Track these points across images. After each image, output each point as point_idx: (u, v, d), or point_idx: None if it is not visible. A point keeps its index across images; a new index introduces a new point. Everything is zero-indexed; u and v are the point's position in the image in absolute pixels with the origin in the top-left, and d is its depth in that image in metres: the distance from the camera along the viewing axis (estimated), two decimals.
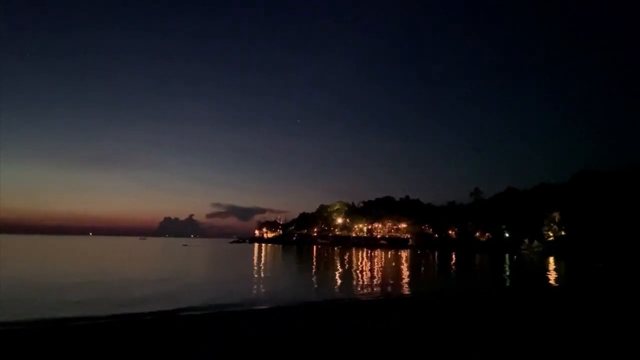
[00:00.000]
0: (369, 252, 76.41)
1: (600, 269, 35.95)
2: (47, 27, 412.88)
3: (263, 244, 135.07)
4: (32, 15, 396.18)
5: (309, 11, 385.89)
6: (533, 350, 7.24)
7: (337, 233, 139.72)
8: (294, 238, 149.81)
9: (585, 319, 10.79)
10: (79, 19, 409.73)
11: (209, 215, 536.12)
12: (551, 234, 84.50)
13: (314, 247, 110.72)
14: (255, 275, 26.47)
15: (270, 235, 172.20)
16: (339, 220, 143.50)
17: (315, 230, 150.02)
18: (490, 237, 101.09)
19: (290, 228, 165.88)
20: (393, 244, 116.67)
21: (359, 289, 19.57)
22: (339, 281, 23.18)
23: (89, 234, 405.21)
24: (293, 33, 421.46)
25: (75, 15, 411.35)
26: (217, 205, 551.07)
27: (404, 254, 66.94)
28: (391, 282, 23.02)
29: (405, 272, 30.69)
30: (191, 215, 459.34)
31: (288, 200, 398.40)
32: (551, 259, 54.82)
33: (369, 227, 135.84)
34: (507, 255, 67.09)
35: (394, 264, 41.01)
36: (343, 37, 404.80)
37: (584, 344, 7.88)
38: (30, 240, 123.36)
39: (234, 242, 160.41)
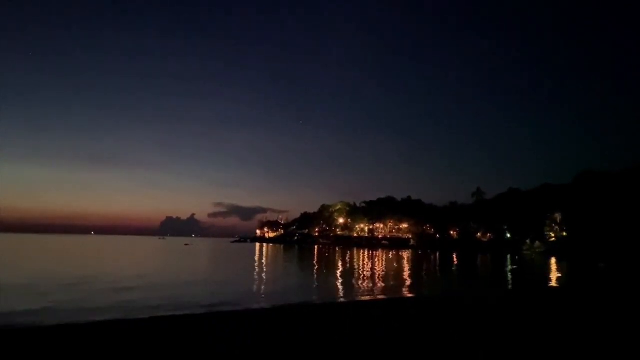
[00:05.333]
0: (371, 252, 76.41)
1: (602, 269, 35.87)
2: (48, 27, 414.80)
3: (264, 244, 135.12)
4: (32, 15, 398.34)
5: (310, 10, 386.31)
6: (536, 351, 7.25)
7: (339, 233, 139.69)
8: (296, 238, 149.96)
9: (586, 319, 10.77)
10: (80, 18, 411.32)
11: (210, 215, 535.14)
12: (553, 235, 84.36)
13: (315, 247, 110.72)
14: (256, 276, 26.52)
15: (271, 235, 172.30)
16: (341, 220, 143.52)
17: (317, 230, 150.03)
18: (492, 237, 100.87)
19: (292, 228, 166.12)
20: (394, 244, 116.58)
21: (360, 289, 19.57)
22: (340, 282, 23.19)
23: (90, 233, 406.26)
24: (293, 32, 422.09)
25: (76, 14, 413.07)
26: (219, 204, 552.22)
27: (406, 255, 66.90)
28: (392, 283, 23.01)
29: (407, 273, 30.66)
30: (193, 215, 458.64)
31: (290, 200, 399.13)
32: (553, 260, 54.66)
33: (371, 227, 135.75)
34: (508, 256, 66.95)
35: (395, 264, 41.00)
36: (344, 37, 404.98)
37: (586, 344, 7.88)
38: (34, 239, 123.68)
39: (235, 241, 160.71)
